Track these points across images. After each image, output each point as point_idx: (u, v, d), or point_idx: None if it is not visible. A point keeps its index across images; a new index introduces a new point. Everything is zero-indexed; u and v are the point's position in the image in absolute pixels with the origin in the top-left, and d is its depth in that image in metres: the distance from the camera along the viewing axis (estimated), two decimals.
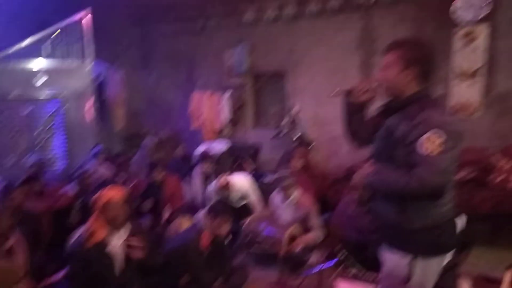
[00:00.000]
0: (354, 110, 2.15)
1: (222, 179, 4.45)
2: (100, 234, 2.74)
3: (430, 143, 1.74)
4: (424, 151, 1.75)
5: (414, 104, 1.89)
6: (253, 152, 6.44)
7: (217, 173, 5.23)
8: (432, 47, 1.97)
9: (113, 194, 2.88)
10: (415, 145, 1.78)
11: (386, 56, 1.98)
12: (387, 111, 2.02)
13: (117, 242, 2.81)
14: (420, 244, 1.94)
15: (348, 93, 2.12)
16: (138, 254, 2.83)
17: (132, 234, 2.88)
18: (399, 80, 1.93)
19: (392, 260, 2.04)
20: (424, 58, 1.93)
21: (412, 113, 1.85)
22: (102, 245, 2.74)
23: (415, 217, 1.91)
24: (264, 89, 6.66)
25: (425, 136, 1.76)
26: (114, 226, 2.82)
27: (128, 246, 2.84)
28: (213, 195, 4.58)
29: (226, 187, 4.47)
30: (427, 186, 1.76)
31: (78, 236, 2.90)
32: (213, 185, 4.61)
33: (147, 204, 4.68)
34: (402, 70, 1.91)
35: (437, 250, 1.97)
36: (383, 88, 2.01)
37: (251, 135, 6.70)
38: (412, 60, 1.90)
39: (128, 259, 2.83)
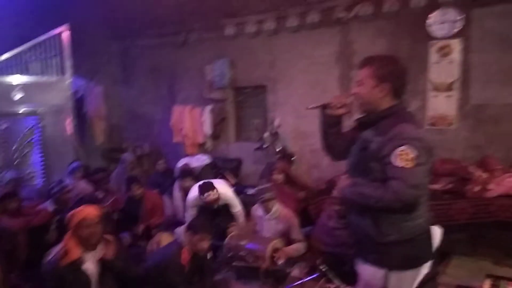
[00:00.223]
0: (330, 124, 2.19)
1: (213, 193, 4.28)
2: (75, 253, 2.69)
3: (403, 157, 1.77)
4: (398, 165, 1.78)
5: (388, 118, 1.93)
6: (235, 166, 6.45)
7: None
8: (404, 63, 2.02)
9: (87, 213, 2.84)
10: (389, 159, 1.81)
11: (360, 72, 2.03)
12: (362, 125, 2.05)
13: (92, 261, 2.76)
14: (395, 257, 1.95)
15: (325, 107, 2.15)
16: (110, 253, 2.79)
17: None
18: (373, 95, 1.97)
19: (368, 273, 2.06)
20: (397, 73, 1.97)
21: (386, 127, 1.89)
22: (76, 264, 2.69)
23: (389, 231, 1.93)
24: (246, 102, 6.68)
25: (398, 150, 1.80)
26: (88, 245, 2.77)
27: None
28: (193, 204, 4.44)
29: (217, 200, 4.33)
30: (401, 199, 1.78)
31: (53, 255, 2.84)
32: (193, 194, 4.45)
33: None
34: (376, 86, 1.96)
35: (411, 263, 1.99)
36: (358, 103, 2.05)
37: (233, 148, 6.70)
38: (384, 76, 1.94)
39: (103, 274, 2.78)
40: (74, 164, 5.19)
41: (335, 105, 2.11)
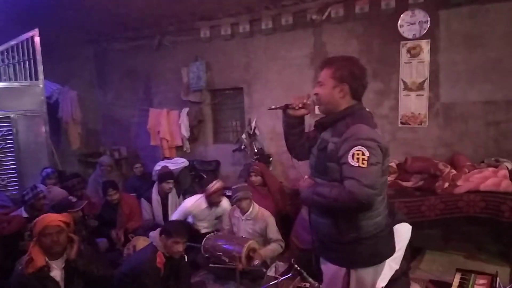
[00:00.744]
0: (292, 125, 2.21)
1: (218, 183, 4.45)
2: (39, 261, 2.66)
3: (358, 157, 1.80)
4: (353, 165, 1.80)
5: (345, 119, 1.96)
6: (214, 168, 6.46)
7: (177, 190, 5.23)
8: (362, 65, 2.05)
9: (49, 221, 2.80)
10: (345, 159, 1.83)
11: (320, 73, 2.06)
12: (321, 125, 2.08)
13: (59, 268, 2.75)
14: (355, 256, 1.99)
15: (286, 107, 2.17)
16: (73, 252, 2.79)
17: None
18: (332, 96, 2.00)
19: (331, 271, 2.11)
20: (356, 74, 1.99)
21: (342, 128, 1.92)
22: (43, 272, 2.67)
23: (348, 230, 1.95)
24: (223, 104, 6.69)
25: (353, 150, 1.81)
26: (52, 253, 2.75)
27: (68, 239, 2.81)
28: (188, 211, 4.50)
29: (220, 192, 4.44)
30: (357, 198, 1.78)
31: (20, 263, 2.81)
32: (194, 202, 4.51)
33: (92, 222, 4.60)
34: (335, 86, 1.99)
35: (372, 260, 2.02)
36: (319, 104, 2.08)
37: (211, 150, 6.70)
38: (344, 77, 1.97)
39: (71, 280, 2.77)
40: (46, 171, 5.11)
41: (296, 105, 2.13)
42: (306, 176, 2.14)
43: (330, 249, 2.07)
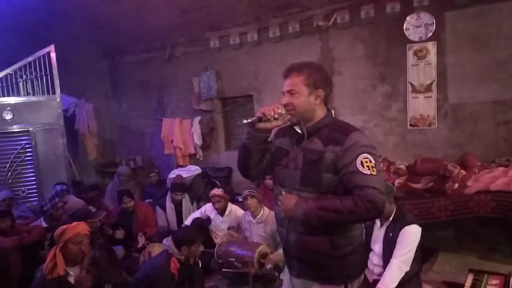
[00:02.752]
0: (260, 140, 1.97)
1: (217, 191, 4.63)
2: (60, 269, 2.71)
3: (367, 165, 1.73)
4: (366, 173, 1.72)
5: (328, 127, 1.88)
6: (226, 174, 6.56)
7: (191, 197, 5.33)
8: (326, 69, 1.97)
9: (80, 229, 2.88)
10: (352, 168, 1.74)
11: (289, 81, 1.91)
12: (300, 136, 1.93)
13: (75, 274, 2.83)
14: (351, 268, 1.92)
15: (259, 120, 1.89)
16: (86, 262, 2.86)
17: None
18: (309, 103, 1.89)
19: None
20: (326, 79, 1.92)
21: (337, 136, 1.83)
22: (64, 278, 2.73)
23: (344, 242, 1.88)
24: (233, 112, 6.80)
25: (359, 158, 1.74)
26: (75, 261, 2.83)
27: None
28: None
29: (218, 199, 4.60)
30: (377, 206, 1.69)
31: (40, 270, 2.87)
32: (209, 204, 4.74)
33: (119, 234, 4.72)
34: (310, 94, 1.88)
35: (361, 270, 1.99)
36: (293, 113, 1.90)
37: (223, 157, 6.81)
38: (317, 82, 1.88)
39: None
40: (56, 188, 5.22)
41: (271, 116, 1.86)
42: (283, 193, 1.93)
43: (322, 268, 1.91)
